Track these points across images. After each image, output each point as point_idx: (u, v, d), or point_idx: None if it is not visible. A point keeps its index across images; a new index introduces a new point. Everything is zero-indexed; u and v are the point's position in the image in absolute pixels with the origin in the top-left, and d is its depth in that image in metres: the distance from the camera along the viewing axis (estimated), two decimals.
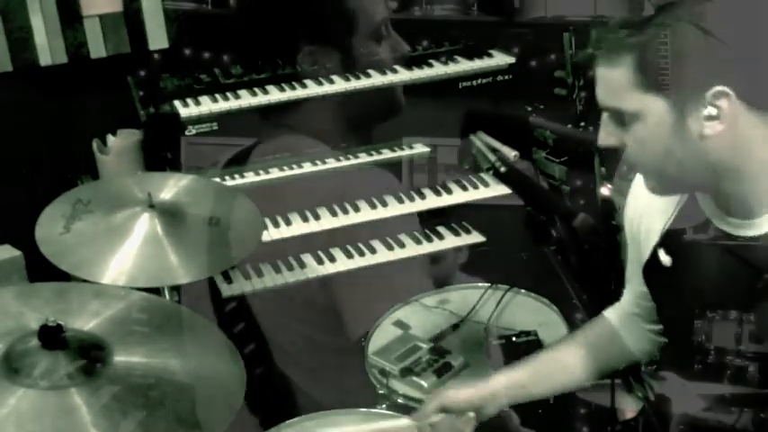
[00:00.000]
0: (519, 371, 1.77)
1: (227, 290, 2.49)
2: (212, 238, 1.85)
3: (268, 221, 2.49)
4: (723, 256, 1.46)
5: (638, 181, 1.59)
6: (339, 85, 2.53)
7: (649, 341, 1.76)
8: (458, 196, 2.72)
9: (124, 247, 1.80)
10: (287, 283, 2.49)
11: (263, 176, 2.55)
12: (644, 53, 1.37)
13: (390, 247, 2.64)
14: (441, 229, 2.74)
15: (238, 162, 2.69)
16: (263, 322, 2.55)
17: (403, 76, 2.62)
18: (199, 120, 2.56)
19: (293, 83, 2.55)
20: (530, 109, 2.56)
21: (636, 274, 1.69)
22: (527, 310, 2.29)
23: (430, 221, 2.66)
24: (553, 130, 2.04)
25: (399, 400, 1.99)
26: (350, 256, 2.58)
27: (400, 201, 2.67)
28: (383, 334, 2.22)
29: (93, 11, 2.97)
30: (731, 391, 1.48)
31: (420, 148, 2.75)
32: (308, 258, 2.56)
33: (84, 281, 1.71)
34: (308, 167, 2.55)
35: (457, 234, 2.74)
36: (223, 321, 2.47)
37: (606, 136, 1.47)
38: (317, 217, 2.56)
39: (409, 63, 2.66)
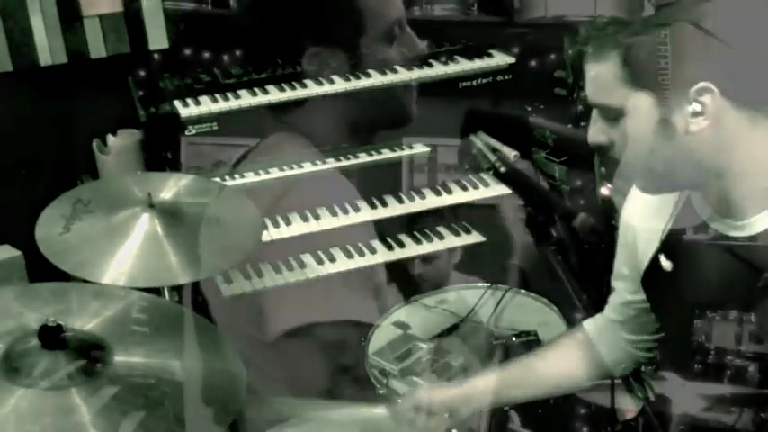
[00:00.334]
0: (494, 376, 1.80)
1: (227, 290, 2.49)
2: (212, 238, 1.85)
3: (268, 221, 2.49)
4: (723, 256, 1.46)
5: (635, 191, 1.60)
6: (339, 84, 2.53)
7: (626, 354, 1.77)
8: (458, 196, 2.72)
9: (124, 247, 1.80)
10: (287, 283, 2.49)
11: (263, 176, 2.55)
12: (631, 49, 1.38)
13: (390, 248, 2.64)
14: (441, 229, 2.73)
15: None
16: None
17: (403, 76, 2.62)
18: (199, 120, 2.55)
19: (293, 83, 2.55)
20: (530, 109, 2.56)
21: (624, 280, 1.69)
22: (527, 310, 2.29)
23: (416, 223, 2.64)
24: (553, 130, 2.04)
25: (399, 400, 1.99)
26: (350, 256, 2.58)
27: (400, 201, 2.67)
28: (383, 334, 2.22)
29: (93, 11, 2.97)
30: (731, 391, 1.48)
31: (420, 148, 2.75)
32: (307, 258, 2.56)
33: (85, 281, 1.71)
34: (308, 167, 2.55)
35: (457, 234, 2.74)
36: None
37: (595, 133, 1.48)
38: (317, 217, 2.55)
39: (409, 63, 2.66)
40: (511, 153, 1.98)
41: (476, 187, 2.74)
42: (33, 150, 3.26)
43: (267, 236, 2.43)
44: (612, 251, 1.70)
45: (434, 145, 2.78)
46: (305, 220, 2.55)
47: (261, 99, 2.57)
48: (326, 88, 2.56)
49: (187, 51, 3.42)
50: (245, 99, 2.58)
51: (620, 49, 1.39)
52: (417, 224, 2.73)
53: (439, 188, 2.75)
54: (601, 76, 1.43)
